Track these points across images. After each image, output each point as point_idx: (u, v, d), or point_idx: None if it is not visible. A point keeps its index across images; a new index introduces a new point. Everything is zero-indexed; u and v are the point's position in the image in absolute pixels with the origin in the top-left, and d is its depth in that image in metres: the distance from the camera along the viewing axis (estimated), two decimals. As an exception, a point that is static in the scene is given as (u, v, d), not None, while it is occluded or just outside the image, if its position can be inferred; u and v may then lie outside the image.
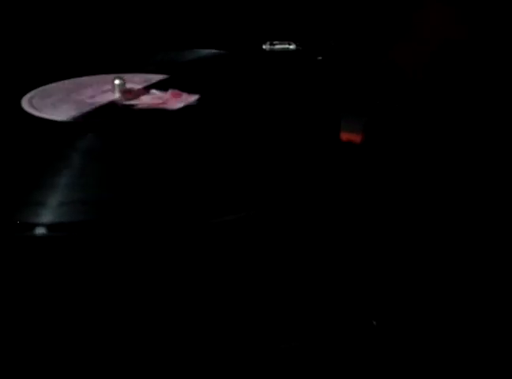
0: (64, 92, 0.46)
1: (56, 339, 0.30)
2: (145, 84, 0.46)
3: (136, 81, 0.46)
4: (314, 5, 0.58)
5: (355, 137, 0.39)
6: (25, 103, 0.43)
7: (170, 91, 0.44)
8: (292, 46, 0.57)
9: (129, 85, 0.45)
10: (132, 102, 0.43)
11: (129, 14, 0.58)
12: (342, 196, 0.36)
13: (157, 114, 0.41)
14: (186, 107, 0.42)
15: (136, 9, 0.58)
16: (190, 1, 0.59)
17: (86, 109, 0.42)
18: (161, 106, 0.42)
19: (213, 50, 0.53)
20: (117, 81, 0.44)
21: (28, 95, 0.44)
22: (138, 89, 0.45)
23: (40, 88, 0.46)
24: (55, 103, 0.43)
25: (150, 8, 0.58)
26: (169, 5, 0.58)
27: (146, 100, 0.44)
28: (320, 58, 0.54)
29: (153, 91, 0.45)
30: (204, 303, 0.30)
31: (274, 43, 0.57)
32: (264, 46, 0.57)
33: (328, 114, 0.40)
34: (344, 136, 0.39)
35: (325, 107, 0.41)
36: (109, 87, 0.45)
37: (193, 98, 0.44)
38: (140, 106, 0.42)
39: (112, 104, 0.43)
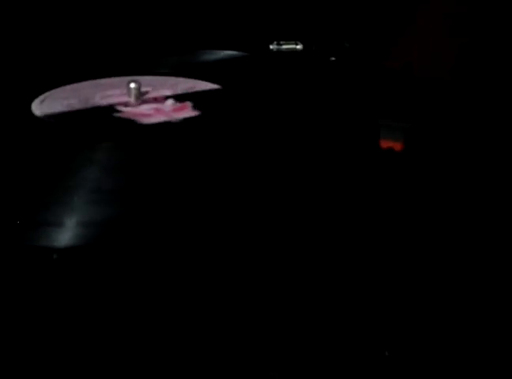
0: (83, 91, 0.44)
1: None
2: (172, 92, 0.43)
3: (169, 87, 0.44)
4: (323, 6, 0.55)
5: (396, 145, 0.37)
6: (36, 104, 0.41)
7: (171, 105, 0.41)
8: (299, 46, 0.55)
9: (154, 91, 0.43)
10: (126, 108, 0.41)
11: (130, 18, 0.55)
12: (383, 206, 0.34)
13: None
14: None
15: (141, 14, 0.55)
16: (191, 3, 0.56)
17: (78, 106, 0.41)
18: (140, 117, 0.39)
19: (225, 51, 0.50)
20: (132, 85, 0.42)
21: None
22: (153, 97, 0.42)
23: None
24: (64, 100, 0.42)
25: (157, 11, 0.55)
26: (171, 7, 0.56)
27: (142, 109, 0.41)
28: (333, 58, 0.51)
29: (169, 101, 0.42)
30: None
31: (281, 42, 0.55)
32: (271, 47, 0.55)
33: (366, 120, 0.38)
34: (384, 143, 0.37)
35: (363, 113, 0.39)
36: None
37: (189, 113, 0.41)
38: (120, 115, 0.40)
39: (109, 108, 0.41)
